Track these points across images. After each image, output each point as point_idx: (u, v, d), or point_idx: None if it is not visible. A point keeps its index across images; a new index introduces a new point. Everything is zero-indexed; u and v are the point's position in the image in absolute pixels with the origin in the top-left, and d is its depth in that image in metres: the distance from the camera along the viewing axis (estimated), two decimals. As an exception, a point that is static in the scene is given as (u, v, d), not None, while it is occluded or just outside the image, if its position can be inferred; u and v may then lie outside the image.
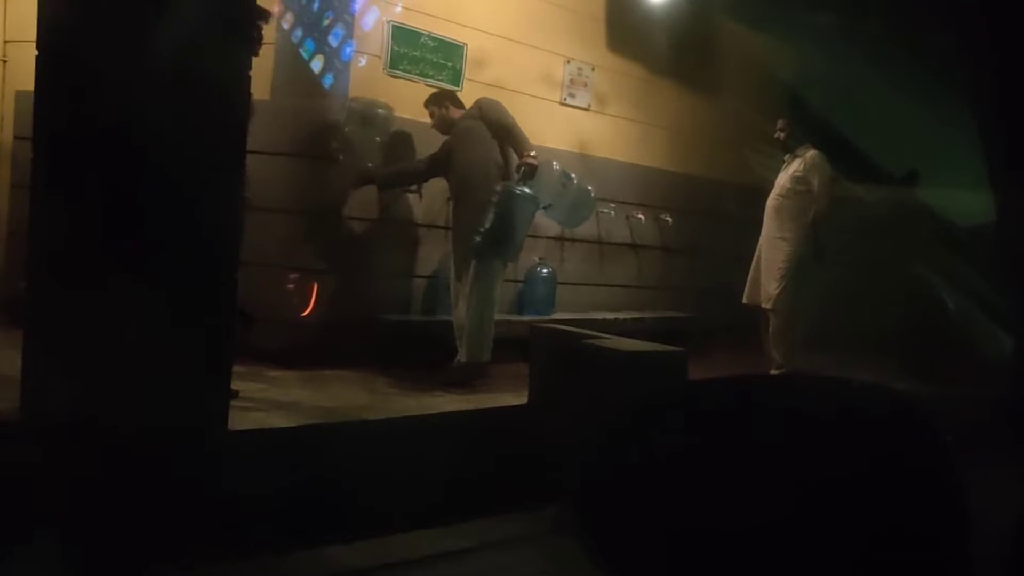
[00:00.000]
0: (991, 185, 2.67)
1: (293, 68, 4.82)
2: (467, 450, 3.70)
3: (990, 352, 4.26)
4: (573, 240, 6.25)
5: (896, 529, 1.22)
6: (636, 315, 6.37)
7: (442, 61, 5.36)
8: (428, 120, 4.94)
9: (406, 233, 5.29)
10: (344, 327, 4.73)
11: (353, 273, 4.96)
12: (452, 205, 5.01)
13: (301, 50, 4.79)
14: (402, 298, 5.27)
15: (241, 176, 3.20)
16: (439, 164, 4.85)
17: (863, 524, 1.21)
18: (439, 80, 5.31)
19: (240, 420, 3.35)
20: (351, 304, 4.85)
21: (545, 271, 5.90)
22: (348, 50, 4.81)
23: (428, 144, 4.97)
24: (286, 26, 4.79)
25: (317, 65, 4.79)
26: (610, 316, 6.13)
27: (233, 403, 3.40)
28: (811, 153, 5.45)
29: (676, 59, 6.71)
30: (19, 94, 5.13)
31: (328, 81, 4.80)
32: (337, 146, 4.85)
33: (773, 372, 5.34)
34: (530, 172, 4.64)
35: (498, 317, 4.80)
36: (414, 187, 5.18)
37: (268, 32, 4.59)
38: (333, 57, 4.79)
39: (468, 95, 5.07)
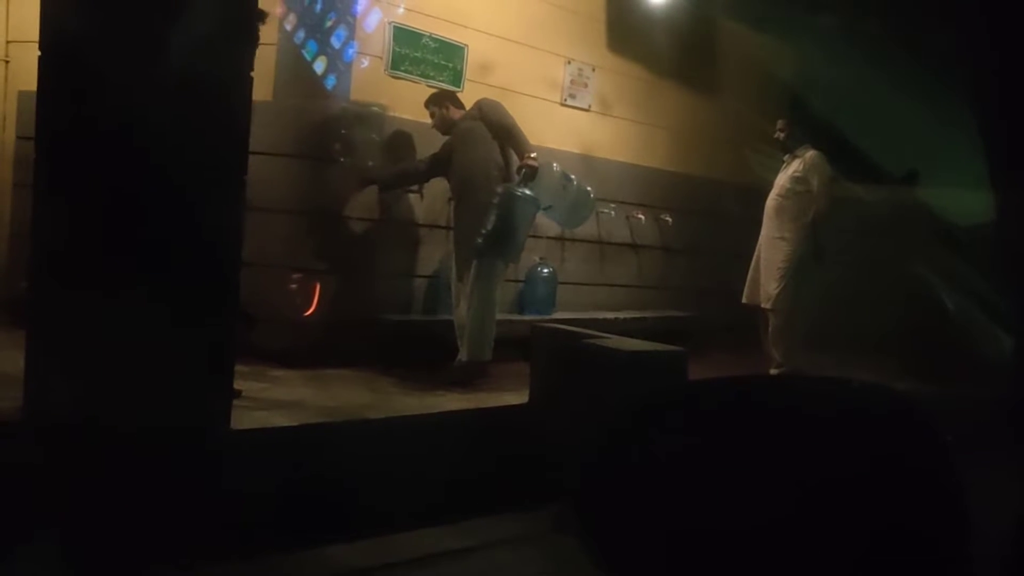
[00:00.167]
0: (991, 185, 2.68)
1: (295, 69, 4.83)
2: (468, 449, 3.71)
3: (990, 352, 4.26)
4: (574, 240, 6.25)
5: (896, 529, 1.22)
6: (636, 315, 6.37)
7: (443, 62, 5.36)
8: (429, 121, 4.94)
9: (407, 233, 5.30)
10: (346, 327, 4.74)
11: (355, 273, 4.97)
12: (453, 206, 5.01)
13: (304, 51, 4.80)
14: (403, 298, 5.28)
15: (243, 176, 3.20)
16: (440, 164, 4.85)
17: (863, 524, 1.21)
18: (440, 81, 5.32)
19: (242, 419, 3.36)
20: (353, 304, 4.86)
21: (546, 271, 5.91)
22: (350, 51, 4.82)
23: (429, 144, 4.98)
24: (289, 27, 4.80)
25: (320, 66, 4.80)
26: (611, 316, 6.13)
27: (235, 402, 3.41)
28: (811, 153, 5.46)
29: (676, 60, 6.71)
30: (21, 94, 5.14)
31: (330, 82, 4.81)
32: (339, 147, 4.86)
33: (773, 372, 5.34)
34: (531, 173, 4.64)
35: (499, 317, 4.80)
36: (415, 187, 5.19)
37: (270, 33, 4.61)
38: (335, 58, 4.80)
39: (469, 96, 5.07)
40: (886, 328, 5.93)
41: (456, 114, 4.88)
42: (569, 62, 6.16)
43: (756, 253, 5.66)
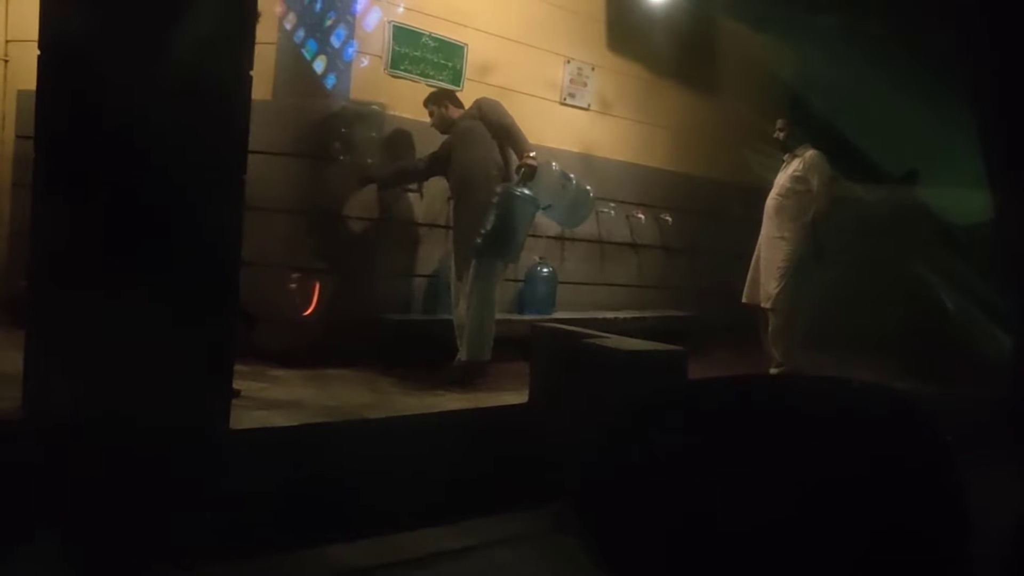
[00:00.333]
0: (990, 185, 2.68)
1: (294, 68, 4.82)
2: (468, 449, 3.71)
3: (990, 352, 4.26)
4: (574, 240, 6.25)
5: (896, 528, 1.22)
6: (636, 314, 6.37)
7: (443, 61, 5.36)
8: (428, 120, 4.94)
9: (407, 233, 5.30)
10: (345, 326, 4.74)
11: (354, 272, 4.97)
12: (452, 205, 5.01)
13: (304, 50, 4.80)
14: (403, 297, 5.28)
15: (243, 176, 3.20)
16: (439, 163, 4.85)
17: (863, 523, 1.21)
18: (440, 80, 5.32)
19: (242, 419, 3.36)
20: (352, 303, 4.86)
21: (546, 270, 5.91)
22: (350, 50, 4.82)
23: (428, 144, 4.98)
24: (288, 26, 4.80)
25: (320, 66, 4.80)
26: (610, 315, 6.13)
27: (235, 402, 3.41)
28: (810, 153, 5.46)
29: (676, 59, 6.71)
30: (21, 93, 5.13)
31: (330, 81, 4.81)
32: (339, 146, 4.85)
33: (772, 371, 5.34)
34: (529, 173, 4.64)
35: (499, 316, 4.80)
36: (415, 186, 5.19)
37: (270, 32, 4.61)
38: (335, 57, 4.80)
39: (469, 95, 5.07)
40: (886, 328, 5.93)
41: (455, 113, 4.88)
42: (568, 61, 6.16)
43: (756, 253, 5.66)
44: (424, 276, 5.37)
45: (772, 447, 1.28)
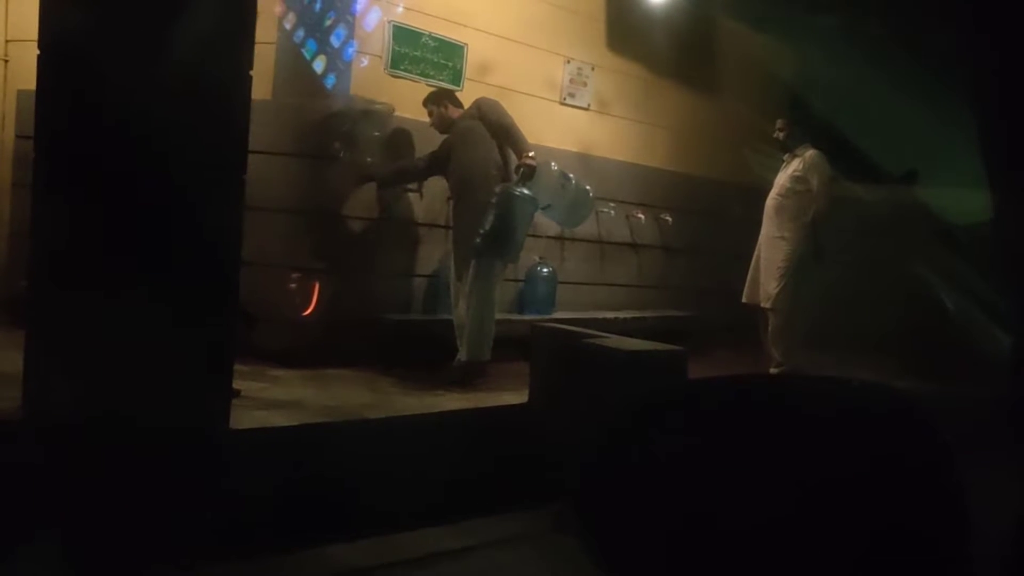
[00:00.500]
0: (990, 185, 2.67)
1: (294, 68, 4.82)
2: (468, 449, 3.71)
3: (990, 352, 4.26)
4: (573, 239, 6.25)
5: (896, 528, 1.22)
6: (636, 314, 6.37)
7: (443, 61, 5.36)
8: (428, 119, 4.95)
9: (407, 232, 5.30)
10: (345, 326, 4.74)
11: (354, 272, 4.96)
12: (452, 205, 5.01)
13: (303, 50, 4.80)
14: (403, 297, 5.28)
15: (243, 176, 3.20)
16: (439, 163, 4.85)
17: (863, 523, 1.21)
18: (440, 80, 5.32)
19: (242, 419, 3.35)
20: (352, 303, 4.86)
21: (546, 270, 5.91)
22: (350, 50, 4.82)
23: (428, 143, 4.98)
24: (288, 26, 4.80)
25: (319, 65, 4.80)
26: (610, 315, 6.13)
27: (235, 402, 3.41)
28: (810, 153, 5.46)
29: (676, 59, 6.71)
30: (21, 93, 5.13)
31: (330, 81, 4.81)
32: (338, 145, 4.85)
33: (773, 371, 5.34)
34: (529, 173, 4.64)
35: (498, 316, 4.80)
36: (414, 186, 5.19)
37: (269, 31, 4.61)
38: (335, 57, 4.80)
39: (468, 95, 5.07)
40: (886, 328, 5.93)
41: (455, 113, 4.88)
42: (568, 61, 6.16)
43: (756, 252, 5.66)
44: (424, 276, 5.37)
45: (772, 447, 1.28)
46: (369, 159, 4.98)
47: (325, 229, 4.90)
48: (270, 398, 3.87)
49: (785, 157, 5.61)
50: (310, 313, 4.71)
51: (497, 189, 4.62)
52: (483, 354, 4.66)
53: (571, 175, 5.07)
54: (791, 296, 5.42)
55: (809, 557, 1.21)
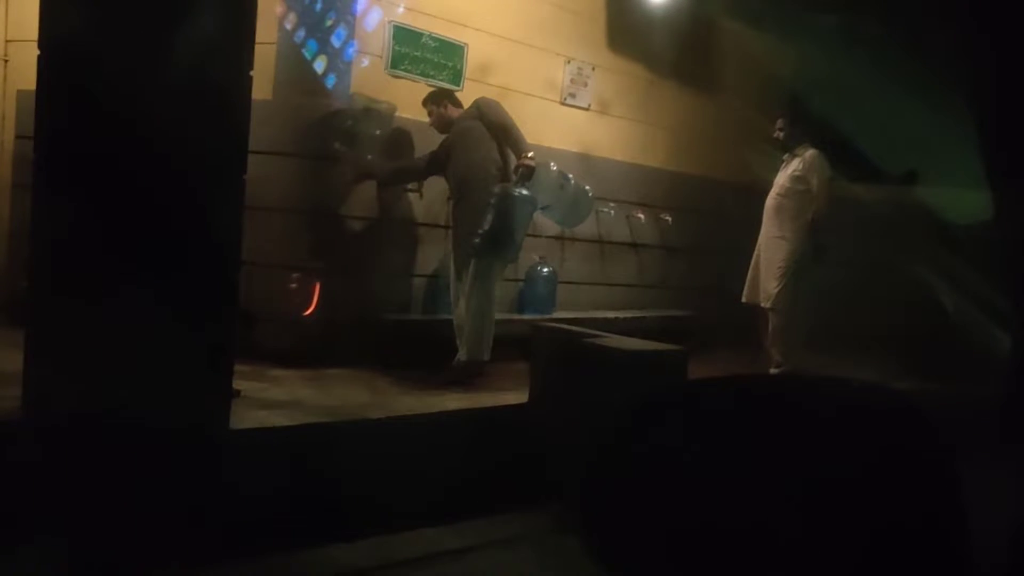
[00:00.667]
0: (989, 185, 2.68)
1: (294, 68, 4.82)
2: (468, 449, 3.71)
3: (989, 351, 4.26)
4: (573, 239, 6.25)
5: (896, 527, 1.23)
6: (636, 314, 6.37)
7: (443, 61, 5.36)
8: (428, 119, 4.95)
9: (407, 232, 5.30)
10: (345, 326, 4.74)
11: (354, 272, 4.96)
12: (452, 205, 5.01)
13: (304, 50, 4.80)
14: (403, 297, 5.28)
15: (243, 176, 3.20)
16: (438, 162, 4.85)
17: (863, 522, 1.21)
18: (440, 80, 5.32)
19: (242, 419, 3.35)
20: (352, 303, 4.86)
21: (545, 270, 5.91)
22: (350, 50, 4.82)
23: (428, 143, 4.98)
24: (289, 26, 4.80)
25: (320, 65, 4.80)
26: (610, 315, 6.13)
27: (235, 402, 3.41)
28: (810, 152, 5.46)
29: (676, 59, 6.71)
30: (20, 93, 5.13)
31: (330, 81, 4.81)
32: (339, 145, 4.85)
33: (772, 371, 5.35)
34: (527, 173, 4.64)
35: (498, 316, 4.80)
36: (414, 186, 5.19)
37: (269, 32, 4.61)
38: (336, 57, 4.80)
39: (469, 95, 5.07)
40: (886, 327, 5.93)
41: (454, 113, 4.88)
42: (569, 61, 6.16)
43: (756, 252, 5.66)
44: (424, 276, 5.37)
45: (772, 447, 1.28)
46: (369, 158, 4.98)
47: (325, 229, 4.90)
48: (270, 398, 3.87)
49: (785, 157, 5.60)
50: (310, 313, 4.72)
51: (496, 189, 4.63)
52: (483, 354, 4.66)
53: (570, 175, 5.07)
54: (791, 296, 5.42)
55: (809, 556, 1.21)
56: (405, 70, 5.18)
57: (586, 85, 6.29)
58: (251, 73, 3.18)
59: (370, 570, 3.09)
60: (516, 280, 5.77)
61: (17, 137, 5.14)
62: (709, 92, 7.10)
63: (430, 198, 5.27)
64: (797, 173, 5.45)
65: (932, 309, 5.84)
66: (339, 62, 4.81)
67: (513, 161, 4.74)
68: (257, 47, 3.26)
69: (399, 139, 5.12)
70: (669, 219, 6.94)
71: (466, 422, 3.98)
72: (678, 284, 7.02)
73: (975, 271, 5.13)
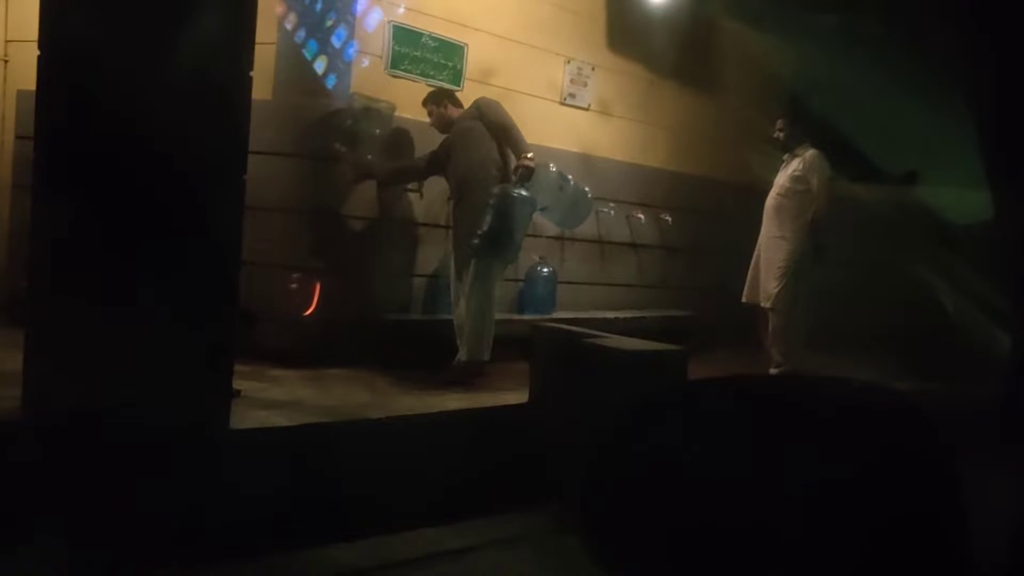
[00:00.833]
0: (989, 185, 2.67)
1: (294, 68, 4.82)
2: (468, 449, 3.71)
3: (989, 351, 4.26)
4: (573, 239, 6.25)
5: (896, 527, 1.23)
6: (636, 314, 6.37)
7: (443, 61, 5.36)
8: (428, 120, 4.95)
9: (407, 232, 5.30)
10: (346, 326, 4.74)
11: (354, 272, 4.97)
12: (452, 205, 5.01)
13: (304, 51, 4.80)
14: (403, 297, 5.28)
15: (243, 176, 3.20)
16: (438, 162, 4.85)
17: (863, 522, 1.21)
18: (440, 80, 5.32)
19: (242, 419, 3.36)
20: (352, 303, 4.86)
21: (546, 270, 5.91)
22: (351, 50, 4.82)
23: (428, 143, 4.98)
24: (289, 27, 4.80)
25: (320, 66, 4.80)
26: (610, 315, 6.13)
27: (235, 402, 3.41)
28: (810, 152, 5.46)
29: (676, 59, 6.71)
30: (20, 93, 5.13)
31: (330, 81, 4.81)
32: (339, 145, 4.86)
33: (772, 371, 5.35)
34: (527, 174, 4.64)
35: (499, 316, 4.80)
36: (414, 186, 5.19)
37: (269, 32, 4.61)
38: (336, 58, 4.80)
39: (469, 95, 5.07)
40: (886, 328, 5.93)
41: (454, 113, 4.88)
42: (569, 61, 6.16)
43: (756, 252, 5.66)
44: (424, 276, 5.37)
45: (772, 447, 1.28)
46: (369, 158, 4.98)
47: (325, 229, 4.90)
48: (270, 398, 3.87)
49: (785, 157, 5.60)
50: (310, 313, 4.72)
51: (495, 190, 4.63)
52: (483, 354, 4.66)
53: (570, 176, 5.07)
54: (791, 296, 5.42)
55: (809, 556, 1.21)
56: (405, 70, 5.18)
57: (586, 85, 6.30)
58: (251, 73, 3.18)
59: (370, 570, 3.09)
60: (516, 280, 5.77)
61: (17, 137, 5.14)
62: (709, 92, 7.10)
63: (430, 198, 5.27)
64: (797, 173, 5.45)
65: (932, 309, 5.83)
66: (339, 62, 4.81)
67: (513, 161, 4.74)
68: (257, 47, 3.25)
69: (399, 139, 5.13)
70: (669, 219, 6.94)
71: (466, 422, 3.98)
72: (678, 284, 7.02)
73: (975, 271, 5.13)
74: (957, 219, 5.68)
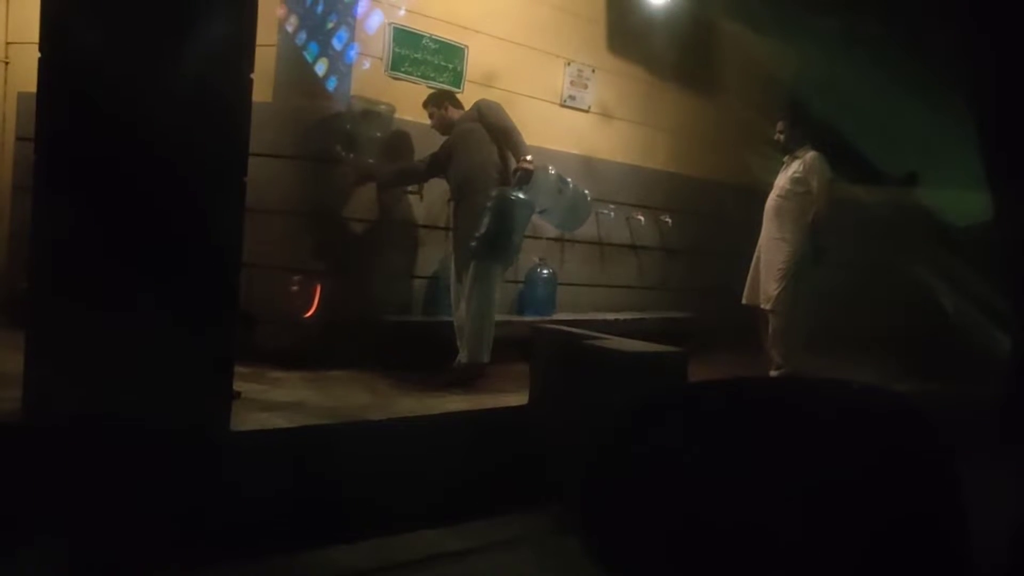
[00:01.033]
0: (989, 186, 2.67)
1: (295, 70, 4.83)
2: (468, 450, 3.71)
3: (989, 352, 4.26)
4: (574, 241, 6.25)
5: (896, 528, 1.23)
6: (636, 316, 6.37)
7: (443, 63, 5.37)
8: (428, 121, 4.95)
9: (407, 234, 5.30)
10: (346, 328, 4.74)
11: (355, 274, 4.97)
12: (452, 207, 5.02)
13: (305, 53, 4.80)
14: (403, 299, 5.28)
15: (243, 178, 3.20)
16: (439, 164, 4.86)
17: (863, 523, 1.21)
18: (440, 82, 5.32)
19: (242, 421, 3.36)
20: (353, 305, 4.86)
21: (546, 272, 5.91)
22: (351, 53, 4.82)
23: (428, 145, 4.98)
24: (290, 29, 4.80)
25: (321, 68, 4.80)
26: (610, 317, 6.13)
27: (235, 404, 3.41)
28: (810, 154, 5.46)
29: (676, 61, 6.71)
30: (21, 95, 5.13)
31: (331, 83, 4.81)
32: (339, 147, 4.86)
33: (772, 373, 5.34)
34: (526, 177, 4.64)
35: (499, 318, 4.80)
36: (415, 188, 5.19)
37: (269, 34, 4.61)
38: (337, 60, 4.80)
39: (469, 97, 5.08)
40: (886, 328, 5.92)
41: (455, 115, 4.88)
42: (569, 63, 6.17)
43: (756, 254, 5.66)
44: (424, 278, 5.37)
45: (772, 449, 1.28)
46: (370, 161, 4.98)
47: (326, 231, 4.91)
48: (271, 400, 3.87)
49: (785, 159, 5.60)
50: (311, 315, 4.72)
51: (493, 193, 4.63)
52: (483, 355, 4.66)
53: (569, 179, 5.07)
54: (791, 298, 5.42)
55: (809, 557, 1.21)
56: (406, 72, 5.19)
57: (586, 87, 6.30)
58: (252, 75, 3.19)
59: (370, 572, 3.09)
60: (516, 282, 5.77)
61: (18, 139, 5.15)
62: (709, 94, 7.10)
63: (430, 200, 5.27)
64: (797, 175, 5.45)
65: (932, 310, 5.83)
66: (340, 64, 4.82)
67: (513, 164, 4.74)
68: (258, 49, 3.26)
69: (399, 141, 5.13)
70: (669, 221, 6.95)
71: (466, 424, 3.98)
72: (678, 286, 7.02)
73: (975, 272, 5.13)
74: (957, 220, 5.68)
